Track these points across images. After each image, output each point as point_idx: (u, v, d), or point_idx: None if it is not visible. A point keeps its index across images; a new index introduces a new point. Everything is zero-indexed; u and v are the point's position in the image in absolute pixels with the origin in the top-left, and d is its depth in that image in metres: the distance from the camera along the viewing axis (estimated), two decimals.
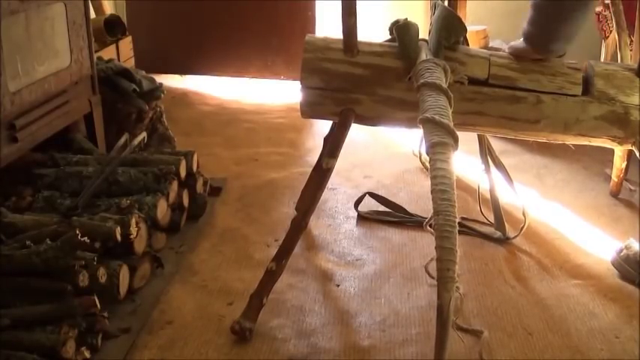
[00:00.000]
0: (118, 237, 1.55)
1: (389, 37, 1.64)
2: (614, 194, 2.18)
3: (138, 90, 2.25)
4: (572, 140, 1.63)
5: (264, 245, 1.86)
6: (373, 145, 2.60)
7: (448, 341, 1.10)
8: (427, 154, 1.22)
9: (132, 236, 1.58)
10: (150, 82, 2.33)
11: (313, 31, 3.22)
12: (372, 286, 1.68)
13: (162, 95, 2.35)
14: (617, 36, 2.13)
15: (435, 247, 1.09)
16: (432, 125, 1.23)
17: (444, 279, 1.07)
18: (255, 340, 1.45)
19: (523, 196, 1.91)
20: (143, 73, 2.37)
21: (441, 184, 1.12)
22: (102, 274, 1.45)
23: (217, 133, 2.75)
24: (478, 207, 1.99)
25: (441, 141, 1.20)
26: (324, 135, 1.78)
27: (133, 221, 1.58)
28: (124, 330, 1.44)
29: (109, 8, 3.27)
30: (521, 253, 1.84)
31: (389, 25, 1.63)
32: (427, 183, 1.17)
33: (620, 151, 2.08)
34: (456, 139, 1.21)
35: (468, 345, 1.44)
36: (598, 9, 2.48)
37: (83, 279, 1.41)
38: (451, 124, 1.23)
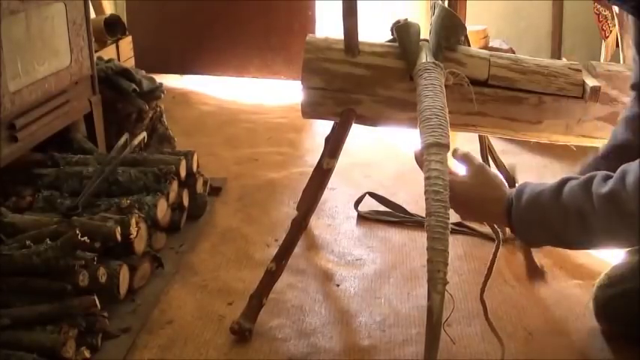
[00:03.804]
0: (118, 237, 1.55)
1: (390, 37, 1.64)
2: None
3: (138, 90, 2.25)
4: (573, 141, 1.63)
5: (264, 245, 1.86)
6: (373, 145, 2.60)
7: (439, 342, 1.10)
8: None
9: (132, 236, 1.58)
10: (150, 82, 2.33)
11: (313, 31, 3.22)
12: (372, 286, 1.68)
13: (163, 95, 2.35)
14: (619, 37, 2.13)
15: (427, 249, 1.09)
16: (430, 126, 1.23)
17: (434, 280, 1.07)
18: (255, 340, 1.45)
19: None
20: (143, 73, 2.37)
21: (435, 185, 1.13)
22: (102, 274, 1.45)
23: (217, 133, 2.75)
24: None
25: (436, 142, 1.20)
26: (325, 135, 1.78)
27: (133, 221, 1.58)
28: (124, 330, 1.44)
29: (109, 8, 3.27)
30: (522, 253, 1.83)
31: (390, 25, 1.63)
32: None
33: None
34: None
35: (462, 345, 1.44)
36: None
37: (83, 279, 1.41)
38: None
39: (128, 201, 1.68)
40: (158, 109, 2.35)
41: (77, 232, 1.42)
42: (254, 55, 3.42)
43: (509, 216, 1.12)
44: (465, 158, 1.19)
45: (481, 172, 1.16)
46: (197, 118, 2.93)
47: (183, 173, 1.91)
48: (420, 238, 1.89)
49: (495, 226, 1.30)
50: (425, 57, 1.50)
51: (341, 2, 1.53)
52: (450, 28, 1.57)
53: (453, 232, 1.81)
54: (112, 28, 2.96)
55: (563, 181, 1.08)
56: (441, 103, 1.30)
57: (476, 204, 1.16)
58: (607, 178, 1.04)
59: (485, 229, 1.94)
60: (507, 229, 1.87)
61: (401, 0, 3.42)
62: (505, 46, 3.12)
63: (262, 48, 3.39)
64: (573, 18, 3.47)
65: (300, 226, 1.55)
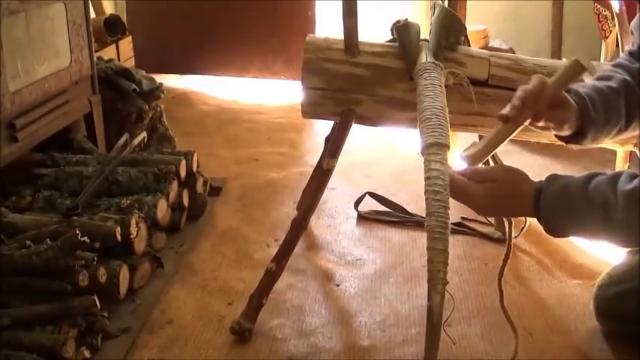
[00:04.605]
0: (118, 237, 1.54)
1: (390, 37, 1.64)
2: None
3: (138, 90, 2.25)
4: None
5: (264, 245, 1.86)
6: (373, 145, 2.60)
7: (439, 342, 1.10)
8: (422, 154, 1.22)
9: (132, 236, 1.58)
10: (150, 82, 2.33)
11: (313, 31, 3.22)
12: (372, 286, 1.68)
13: (163, 95, 2.35)
14: (619, 37, 2.13)
15: (427, 249, 1.10)
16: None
17: (434, 280, 1.07)
18: (255, 340, 1.45)
19: None
20: (143, 73, 2.37)
21: (435, 185, 1.13)
22: (102, 274, 1.45)
23: (217, 133, 2.75)
24: None
25: (436, 141, 1.20)
26: (325, 135, 1.78)
27: (133, 221, 1.58)
28: (124, 330, 1.44)
29: (109, 8, 3.27)
30: (521, 252, 1.84)
31: (390, 25, 1.63)
32: None
33: (622, 152, 2.07)
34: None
35: (462, 345, 1.44)
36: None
37: (83, 279, 1.41)
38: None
39: (128, 201, 1.68)
40: (158, 109, 2.35)
41: (77, 232, 1.42)
42: (254, 55, 3.42)
43: (536, 203, 1.14)
44: (483, 174, 1.17)
45: (508, 172, 1.18)
46: (197, 118, 2.93)
47: (183, 173, 1.91)
48: (420, 238, 1.89)
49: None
50: (425, 57, 1.50)
51: (341, 2, 1.54)
52: (450, 28, 1.57)
53: (453, 232, 1.82)
54: (112, 28, 2.96)
55: (592, 175, 1.12)
56: (441, 103, 1.30)
57: (505, 202, 1.17)
58: (634, 177, 1.08)
59: (486, 229, 1.94)
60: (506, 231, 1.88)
61: (401, 0, 3.42)
62: (505, 46, 3.12)
63: (263, 48, 3.39)
64: (573, 18, 3.47)
65: (300, 226, 1.55)
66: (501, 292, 1.31)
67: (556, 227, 1.14)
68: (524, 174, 1.18)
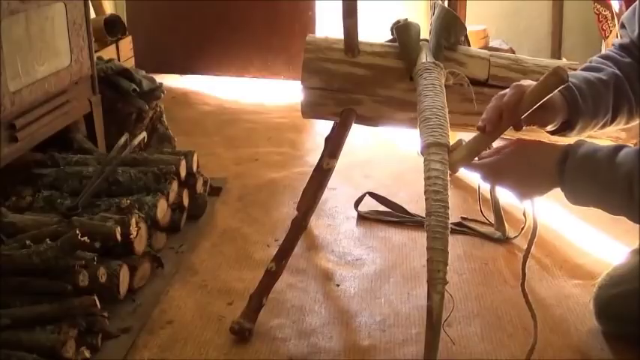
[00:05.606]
0: (118, 237, 1.54)
1: (390, 37, 1.64)
2: None
3: (138, 90, 2.25)
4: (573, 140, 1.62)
5: (264, 245, 1.86)
6: (373, 145, 2.60)
7: (439, 342, 1.10)
8: (422, 154, 1.22)
9: (132, 236, 1.58)
10: (150, 82, 2.33)
11: (313, 31, 3.22)
12: (372, 286, 1.68)
13: (163, 95, 2.35)
14: (619, 37, 2.12)
15: (427, 249, 1.10)
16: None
17: (434, 280, 1.08)
18: (255, 340, 1.45)
19: None
20: (143, 73, 2.37)
21: (435, 185, 1.13)
22: (102, 274, 1.45)
23: (217, 133, 2.75)
24: (478, 207, 1.98)
25: (436, 141, 1.20)
26: (325, 135, 1.78)
27: (133, 221, 1.58)
28: (124, 330, 1.44)
29: (109, 8, 3.27)
30: (521, 253, 1.83)
31: (390, 25, 1.63)
32: None
33: None
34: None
35: (462, 345, 1.44)
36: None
37: (83, 279, 1.41)
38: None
39: (128, 201, 1.68)
40: (158, 109, 2.35)
41: (77, 232, 1.42)
42: (254, 55, 3.42)
43: (562, 163, 1.13)
44: (505, 148, 1.20)
45: (515, 143, 1.19)
46: (197, 118, 2.93)
47: (183, 173, 1.91)
48: (420, 238, 1.89)
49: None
50: (425, 57, 1.50)
51: (341, 2, 1.54)
52: (450, 28, 1.57)
53: (453, 232, 1.82)
54: (112, 28, 2.96)
55: (621, 146, 1.12)
56: (441, 103, 1.30)
57: (526, 165, 1.17)
58: None
59: (486, 229, 1.94)
60: (506, 230, 1.88)
61: (401, 0, 3.43)
62: (505, 46, 3.12)
63: (263, 48, 3.40)
64: (573, 18, 3.48)
65: (300, 226, 1.55)
66: (524, 274, 1.30)
67: (577, 193, 1.14)
68: (530, 141, 1.20)
